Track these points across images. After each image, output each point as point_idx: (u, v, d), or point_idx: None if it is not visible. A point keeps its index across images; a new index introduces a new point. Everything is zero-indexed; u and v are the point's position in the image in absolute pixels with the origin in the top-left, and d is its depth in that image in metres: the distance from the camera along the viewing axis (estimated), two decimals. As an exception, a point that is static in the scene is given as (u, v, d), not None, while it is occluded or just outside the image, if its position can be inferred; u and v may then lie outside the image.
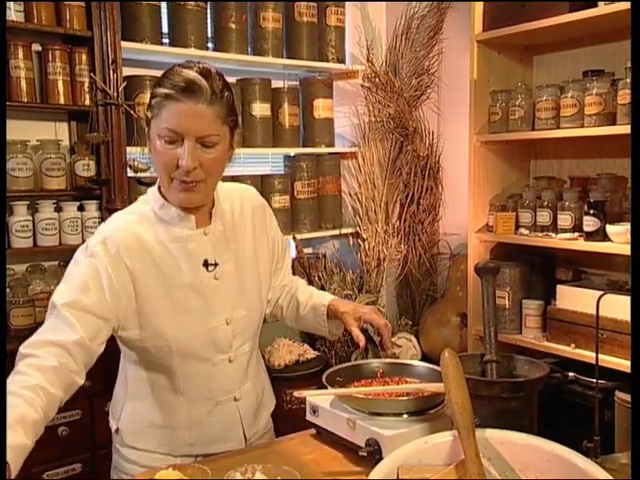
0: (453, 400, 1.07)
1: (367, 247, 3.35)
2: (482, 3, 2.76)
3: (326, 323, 1.70)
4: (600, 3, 2.34)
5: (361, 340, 1.62)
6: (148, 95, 2.71)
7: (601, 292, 1.36)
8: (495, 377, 1.35)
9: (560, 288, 2.59)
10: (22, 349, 1.31)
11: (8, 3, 2.43)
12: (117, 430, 1.57)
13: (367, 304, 3.09)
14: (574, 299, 2.51)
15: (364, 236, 3.38)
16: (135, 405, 1.54)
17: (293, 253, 3.25)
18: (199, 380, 1.50)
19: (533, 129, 2.66)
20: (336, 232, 3.47)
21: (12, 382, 1.23)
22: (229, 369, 1.53)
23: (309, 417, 1.51)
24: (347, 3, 3.48)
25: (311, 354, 3.05)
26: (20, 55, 2.49)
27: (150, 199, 1.52)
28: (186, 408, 1.52)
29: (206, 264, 1.50)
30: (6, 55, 2.49)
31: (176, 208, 1.48)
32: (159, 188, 1.50)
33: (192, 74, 1.36)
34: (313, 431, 1.52)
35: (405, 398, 1.40)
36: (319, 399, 1.48)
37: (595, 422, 1.22)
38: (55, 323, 1.35)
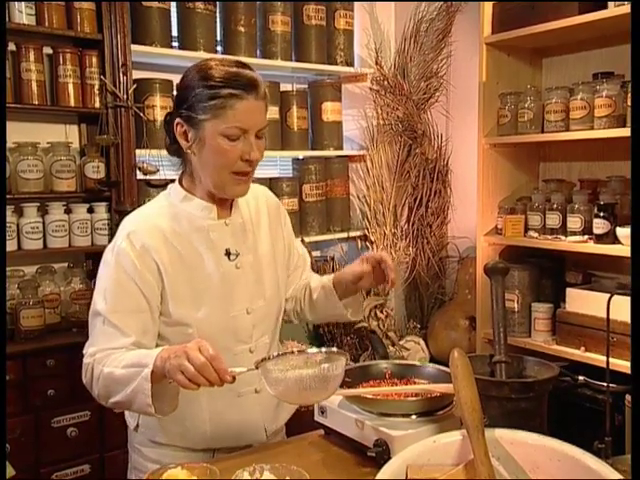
0: (462, 400, 1.06)
1: (375, 250, 3.35)
2: (491, 5, 2.76)
3: (337, 298, 1.64)
4: (610, 4, 2.33)
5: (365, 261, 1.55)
6: (158, 98, 2.79)
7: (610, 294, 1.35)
8: (504, 378, 1.34)
9: (570, 291, 2.58)
10: (87, 359, 1.43)
11: (19, 6, 2.45)
12: (137, 427, 1.57)
13: (375, 307, 3.10)
14: (584, 302, 2.49)
15: (372, 239, 3.37)
16: None
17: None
18: None
19: (542, 131, 2.65)
20: (344, 235, 3.47)
21: (107, 364, 1.37)
22: (250, 360, 1.52)
23: (317, 418, 1.51)
24: (356, 7, 3.49)
25: (319, 356, 3.04)
26: (31, 58, 2.51)
27: (170, 193, 1.56)
28: (207, 400, 1.52)
29: (228, 253, 1.53)
30: (18, 58, 2.52)
31: (199, 199, 1.52)
32: (179, 181, 1.55)
33: (249, 73, 1.44)
34: (322, 432, 1.52)
35: (414, 399, 1.39)
36: (327, 400, 1.48)
37: (606, 423, 1.21)
38: (104, 330, 1.43)
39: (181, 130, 1.47)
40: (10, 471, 1.01)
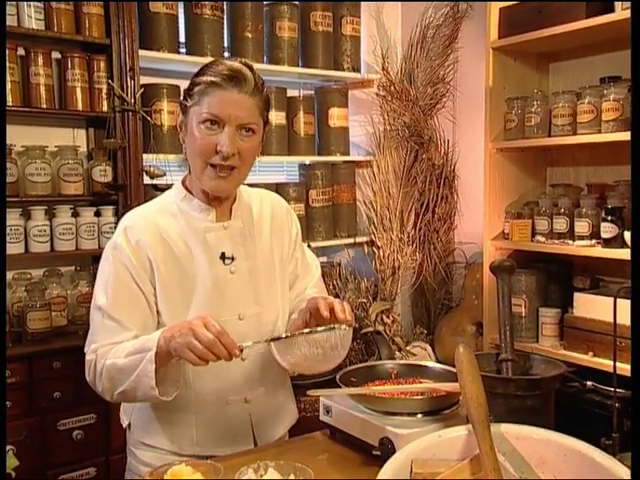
0: (468, 394, 1.05)
1: (382, 255, 3.34)
2: (498, 10, 2.76)
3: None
4: (617, 8, 2.33)
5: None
6: (165, 103, 2.81)
7: (619, 299, 1.34)
8: (511, 376, 1.33)
9: (577, 296, 2.56)
10: (89, 356, 1.44)
11: (28, 11, 2.47)
12: (129, 426, 1.57)
13: (382, 312, 3.09)
14: (591, 307, 2.47)
15: (379, 244, 3.37)
16: None
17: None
18: (209, 375, 1.49)
19: (549, 135, 2.64)
20: (351, 240, 3.46)
21: (109, 357, 1.38)
22: (241, 368, 1.52)
23: (322, 417, 1.50)
24: (362, 13, 3.50)
25: (325, 362, 3.03)
26: (40, 62, 2.53)
27: (172, 192, 1.56)
28: (195, 404, 1.51)
29: (223, 257, 1.52)
30: (26, 62, 2.54)
31: (198, 200, 1.52)
32: (183, 182, 1.55)
33: (237, 65, 1.44)
34: (327, 432, 1.51)
35: (419, 397, 1.39)
36: (333, 399, 1.47)
37: (613, 419, 1.20)
38: (105, 325, 1.43)
39: (179, 120, 1.50)
40: (13, 462, 1.01)
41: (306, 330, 1.33)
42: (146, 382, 1.33)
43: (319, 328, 1.33)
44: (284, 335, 1.33)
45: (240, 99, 1.42)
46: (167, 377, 1.36)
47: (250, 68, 1.45)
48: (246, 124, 1.43)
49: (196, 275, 1.48)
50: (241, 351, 1.29)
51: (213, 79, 1.40)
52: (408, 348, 3.17)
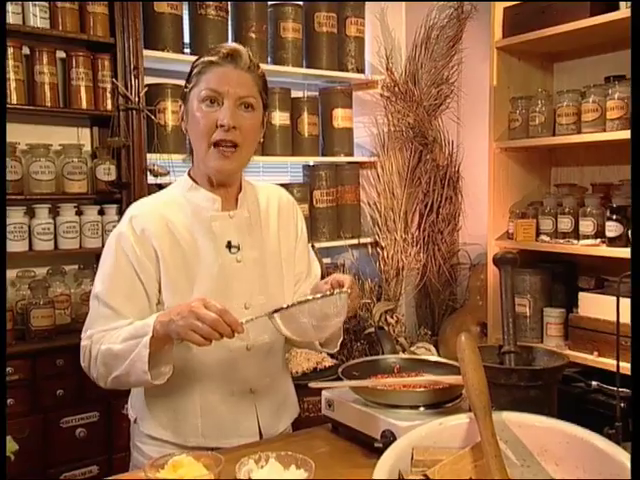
0: (469, 382, 1.04)
1: (386, 256, 3.34)
2: (502, 9, 2.76)
3: None
4: (622, 5, 2.33)
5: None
6: (169, 102, 2.81)
7: (624, 298, 1.33)
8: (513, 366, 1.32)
9: (582, 295, 2.55)
10: (84, 342, 1.45)
11: (33, 10, 2.48)
12: (136, 420, 1.57)
13: (385, 312, 3.08)
14: (596, 306, 2.46)
15: (383, 245, 3.36)
16: (151, 390, 1.53)
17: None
18: (215, 366, 1.50)
19: (554, 135, 2.64)
20: (355, 241, 3.46)
21: (104, 342, 1.40)
22: (246, 358, 1.52)
23: (325, 411, 1.49)
24: (367, 14, 3.51)
25: (329, 362, 3.02)
26: (45, 61, 2.54)
27: (179, 183, 1.58)
28: (200, 394, 1.51)
29: (229, 246, 1.52)
30: (31, 61, 2.55)
31: (204, 189, 1.52)
32: (189, 173, 1.57)
33: (231, 45, 1.50)
34: (329, 426, 1.50)
35: (422, 390, 1.38)
36: (335, 393, 1.47)
37: (616, 409, 1.19)
38: (101, 312, 1.45)
39: (181, 112, 1.52)
40: (12, 446, 1.00)
41: (306, 298, 1.34)
42: (139, 367, 1.34)
43: (318, 295, 1.34)
44: (285, 305, 1.33)
45: (237, 74, 1.46)
46: (160, 360, 1.37)
47: (245, 47, 1.50)
48: (244, 97, 1.46)
49: (202, 264, 1.49)
50: (242, 325, 1.30)
51: (210, 58, 1.45)
52: (412, 349, 3.16)
